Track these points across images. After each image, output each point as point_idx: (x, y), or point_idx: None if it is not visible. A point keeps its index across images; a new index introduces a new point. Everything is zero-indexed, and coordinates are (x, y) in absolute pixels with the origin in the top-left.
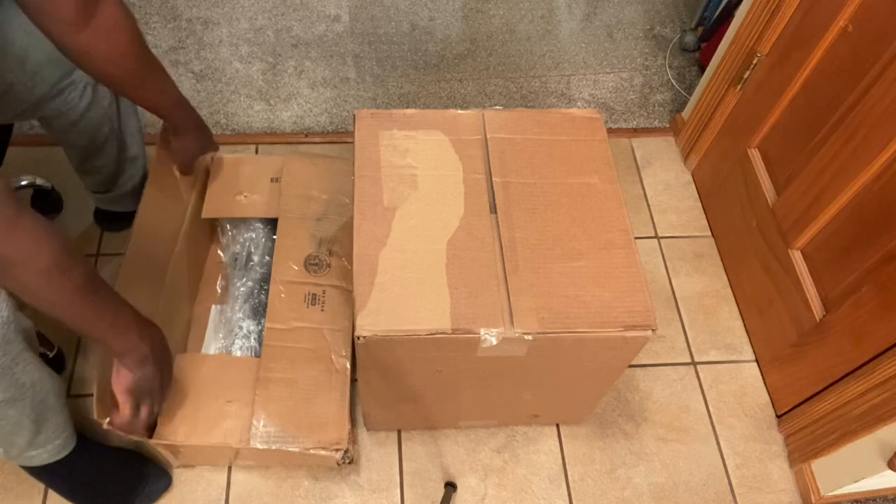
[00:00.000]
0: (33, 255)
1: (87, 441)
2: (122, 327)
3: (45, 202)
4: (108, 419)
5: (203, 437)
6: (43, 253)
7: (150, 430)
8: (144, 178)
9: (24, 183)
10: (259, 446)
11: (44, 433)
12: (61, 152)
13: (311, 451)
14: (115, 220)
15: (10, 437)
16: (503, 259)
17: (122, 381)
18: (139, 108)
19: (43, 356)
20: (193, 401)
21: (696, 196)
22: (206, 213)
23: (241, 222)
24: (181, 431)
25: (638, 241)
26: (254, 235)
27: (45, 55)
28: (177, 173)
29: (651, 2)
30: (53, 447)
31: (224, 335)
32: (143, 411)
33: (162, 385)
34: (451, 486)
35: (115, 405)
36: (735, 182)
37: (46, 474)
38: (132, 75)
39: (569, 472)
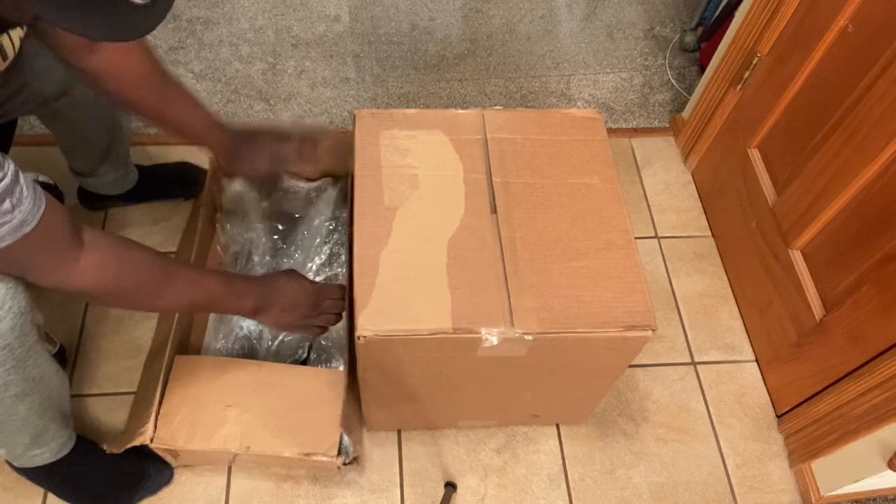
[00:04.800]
0: (105, 282)
1: (85, 441)
2: (210, 298)
3: None
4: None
5: (202, 443)
6: (110, 277)
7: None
8: (126, 170)
9: None
10: (258, 451)
11: (49, 430)
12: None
13: (313, 456)
14: (97, 200)
15: (15, 436)
16: (504, 259)
17: (274, 324)
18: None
19: None
20: (193, 405)
21: (696, 196)
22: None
23: (240, 222)
24: (181, 437)
25: (638, 241)
26: (254, 235)
27: (52, 60)
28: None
29: (651, 2)
30: (56, 445)
31: (224, 335)
32: (321, 320)
33: (314, 301)
34: (451, 486)
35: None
36: (735, 182)
37: (46, 476)
38: (147, 99)
39: (569, 472)
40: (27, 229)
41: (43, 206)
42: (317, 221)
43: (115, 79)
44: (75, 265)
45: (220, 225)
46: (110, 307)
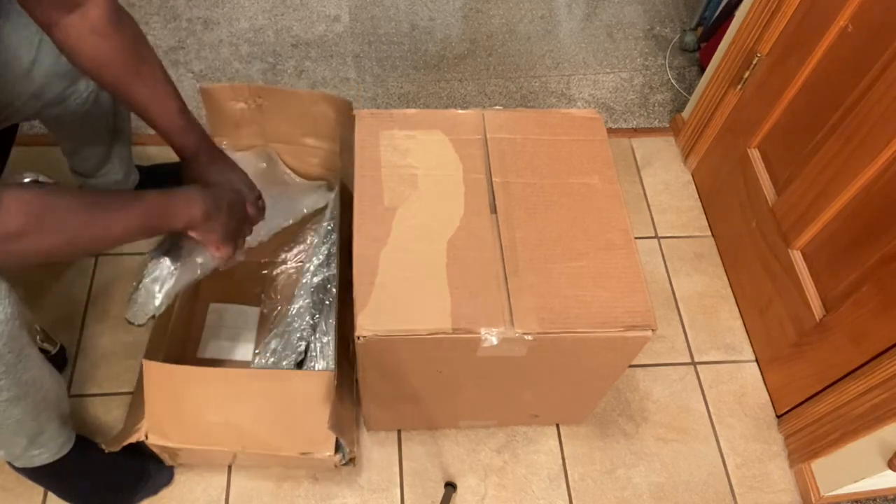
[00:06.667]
0: (34, 218)
1: (86, 441)
2: (157, 213)
3: None
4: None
5: (199, 440)
6: (28, 216)
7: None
8: (128, 172)
9: (27, 180)
10: (256, 450)
11: (47, 432)
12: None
13: (311, 455)
14: None
15: (12, 438)
16: (503, 259)
17: (222, 232)
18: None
19: (44, 353)
20: (188, 409)
21: (696, 196)
22: None
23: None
24: (175, 436)
25: (638, 241)
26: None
27: (51, 68)
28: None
29: (651, 2)
30: (55, 446)
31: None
32: (243, 241)
33: (248, 208)
34: (451, 486)
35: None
36: (735, 182)
37: (46, 476)
38: (122, 80)
39: (569, 472)
40: None
41: None
42: (315, 221)
43: (89, 53)
44: None
45: None
46: (48, 255)
